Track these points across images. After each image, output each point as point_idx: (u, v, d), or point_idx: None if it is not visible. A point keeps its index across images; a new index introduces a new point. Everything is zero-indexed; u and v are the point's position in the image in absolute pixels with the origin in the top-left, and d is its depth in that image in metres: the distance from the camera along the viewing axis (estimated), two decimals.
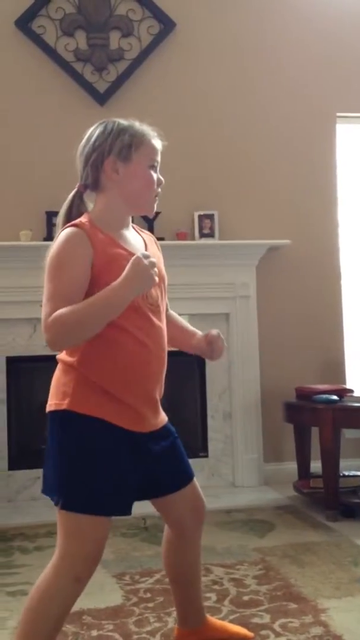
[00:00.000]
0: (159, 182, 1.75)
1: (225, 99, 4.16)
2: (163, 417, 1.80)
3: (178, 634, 2.00)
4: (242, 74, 4.20)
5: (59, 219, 1.72)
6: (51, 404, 1.69)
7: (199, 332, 1.90)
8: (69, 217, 1.71)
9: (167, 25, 4.08)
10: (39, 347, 3.85)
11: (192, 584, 1.94)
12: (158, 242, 1.91)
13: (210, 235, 4.01)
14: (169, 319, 1.86)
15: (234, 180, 4.13)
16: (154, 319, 1.70)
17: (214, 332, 1.84)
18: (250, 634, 2.02)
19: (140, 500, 1.74)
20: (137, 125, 1.74)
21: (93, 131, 1.73)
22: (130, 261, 1.56)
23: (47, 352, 4.07)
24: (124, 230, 1.75)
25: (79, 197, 1.74)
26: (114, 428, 1.65)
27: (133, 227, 1.82)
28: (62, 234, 1.64)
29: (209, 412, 4.04)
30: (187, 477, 1.83)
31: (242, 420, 4.02)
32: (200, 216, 4.03)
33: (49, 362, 3.86)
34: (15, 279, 3.73)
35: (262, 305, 4.07)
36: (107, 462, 1.64)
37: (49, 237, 3.83)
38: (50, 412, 1.69)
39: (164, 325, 1.75)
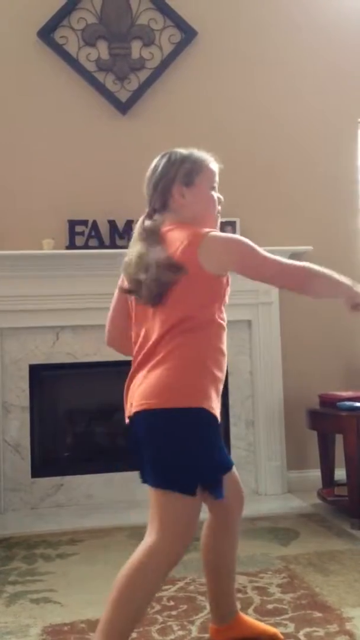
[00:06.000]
0: (219, 201, 1.95)
1: (246, 107, 4.17)
2: None
3: (213, 631, 2.04)
4: (263, 82, 4.20)
5: (138, 233, 1.88)
6: (171, 401, 1.73)
7: None
8: (146, 231, 1.86)
9: (188, 34, 4.10)
10: (61, 355, 3.88)
11: (229, 573, 2.02)
12: None
13: None
14: None
15: (255, 187, 4.13)
16: None
17: None
18: (281, 636, 2.05)
19: None
20: (196, 152, 1.92)
21: (158, 162, 1.90)
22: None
23: (70, 360, 4.11)
24: None
25: (148, 218, 1.90)
26: (215, 418, 1.79)
27: None
28: (218, 234, 1.85)
29: (232, 420, 4.02)
30: (231, 462, 1.97)
31: (265, 428, 4.00)
32: (222, 223, 3.98)
33: (71, 369, 3.95)
34: (38, 288, 3.77)
35: (284, 311, 4.05)
36: (216, 449, 1.80)
37: (72, 245, 3.86)
38: (174, 409, 1.73)
39: None
